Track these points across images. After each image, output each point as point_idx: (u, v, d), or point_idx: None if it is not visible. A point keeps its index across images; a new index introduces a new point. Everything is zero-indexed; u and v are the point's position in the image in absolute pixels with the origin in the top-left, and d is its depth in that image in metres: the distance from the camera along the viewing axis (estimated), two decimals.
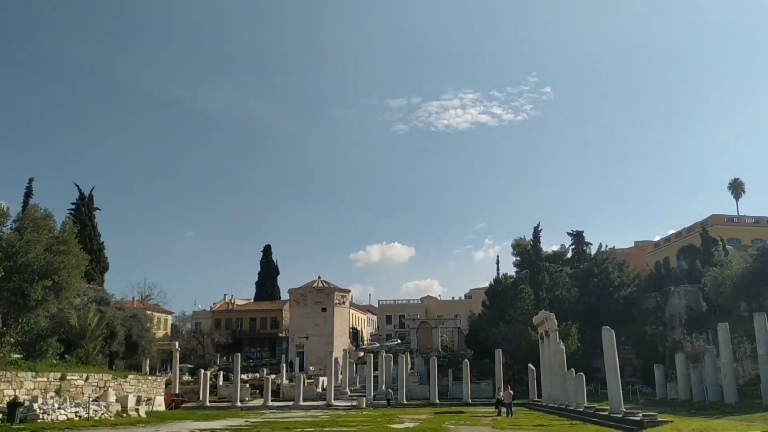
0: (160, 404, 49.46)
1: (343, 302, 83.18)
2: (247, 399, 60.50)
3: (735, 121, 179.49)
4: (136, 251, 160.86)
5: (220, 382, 66.56)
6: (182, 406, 53.97)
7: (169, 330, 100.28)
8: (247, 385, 64.14)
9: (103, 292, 52.45)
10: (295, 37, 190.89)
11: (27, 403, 25.71)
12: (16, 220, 29.72)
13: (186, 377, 70.84)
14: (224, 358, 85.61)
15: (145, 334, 53.41)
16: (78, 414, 26.84)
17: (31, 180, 52.18)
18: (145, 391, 47.26)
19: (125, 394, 34.27)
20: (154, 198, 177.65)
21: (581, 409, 34.07)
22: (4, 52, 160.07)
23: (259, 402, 57.40)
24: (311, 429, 26.20)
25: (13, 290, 28.04)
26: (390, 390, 54.99)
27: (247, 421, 33.15)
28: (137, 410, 33.42)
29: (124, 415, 31.55)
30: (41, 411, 25.09)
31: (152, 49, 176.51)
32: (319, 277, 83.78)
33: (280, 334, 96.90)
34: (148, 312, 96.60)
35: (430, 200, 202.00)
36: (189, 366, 77.36)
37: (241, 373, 72.91)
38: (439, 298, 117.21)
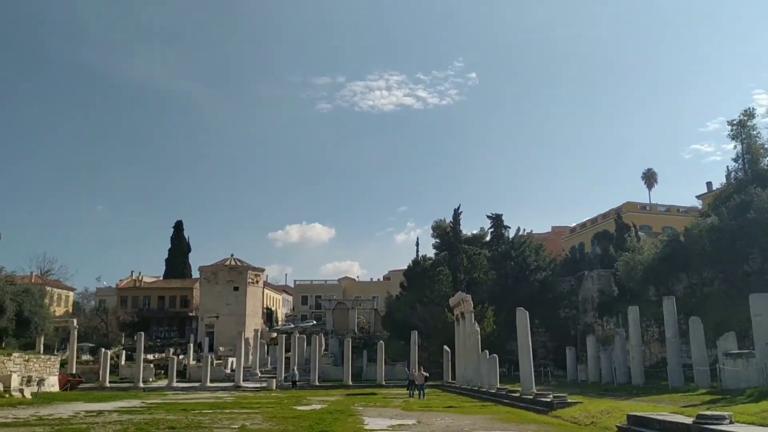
0: (53, 384, 46.97)
1: (257, 281, 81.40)
2: (151, 380, 58.43)
3: (650, 114, 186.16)
4: (39, 223, 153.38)
5: (123, 362, 63.98)
6: (78, 387, 51.49)
7: (70, 307, 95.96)
8: (152, 366, 61.90)
9: None
10: (214, 7, 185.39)
11: None
12: None
13: (86, 357, 67.82)
14: (129, 337, 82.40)
15: (39, 310, 50.55)
16: None
17: None
18: (36, 371, 44.74)
19: (8, 373, 31.97)
20: (62, 169, 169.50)
21: (493, 391, 34.05)
22: None
23: (163, 383, 55.51)
24: (210, 411, 24.97)
25: None
26: (296, 371, 54.08)
27: (143, 402, 31.55)
28: (21, 391, 31.30)
29: (6, 395, 29.44)
30: None
31: (69, 14, 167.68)
32: (232, 255, 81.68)
33: (191, 314, 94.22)
34: (48, 288, 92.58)
35: (352, 181, 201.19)
36: (90, 345, 74.09)
37: (147, 353, 70.46)
38: (357, 279, 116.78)
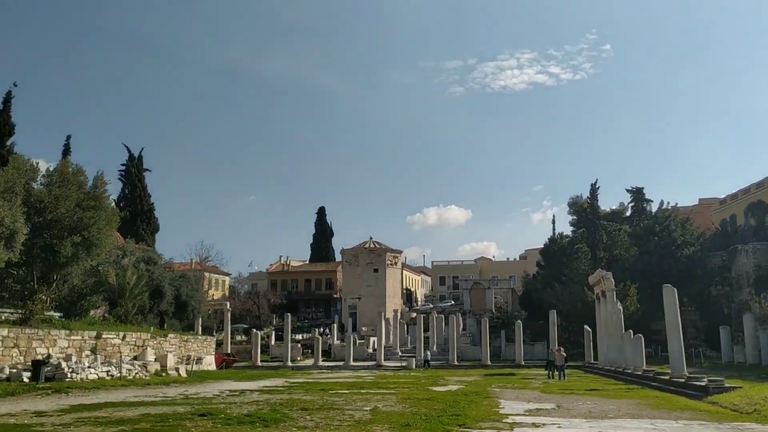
0: (210, 364, 48.99)
1: (395, 263, 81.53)
2: (299, 359, 59.88)
3: None
4: (197, 214, 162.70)
5: (273, 342, 66.07)
6: (233, 365, 53.51)
7: (226, 291, 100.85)
8: (299, 345, 63.49)
9: (152, 252, 51.87)
10: (348, 1, 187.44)
11: (55, 362, 24.83)
12: (46, 175, 28.71)
13: (240, 337, 70.73)
14: (280, 318, 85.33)
15: (195, 294, 52.92)
16: (110, 373, 25.88)
17: (68, 137, 51.05)
18: (194, 351, 46.73)
19: (165, 353, 33.34)
20: (217, 163, 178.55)
21: (639, 373, 31.57)
22: (67, 19, 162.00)
23: (310, 362, 56.66)
24: (347, 391, 24.59)
25: (44, 247, 27.12)
26: (427, 352, 53.41)
27: (287, 381, 31.88)
28: (177, 370, 32.50)
29: (163, 374, 30.61)
30: (70, 370, 24.14)
31: (210, 17, 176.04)
32: (371, 238, 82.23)
33: (335, 296, 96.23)
34: (206, 273, 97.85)
35: (487, 163, 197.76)
36: (244, 326, 77.28)
37: (295, 333, 72.59)
38: (493, 260, 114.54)
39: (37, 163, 28.89)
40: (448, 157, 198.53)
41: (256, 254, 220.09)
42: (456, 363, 52.80)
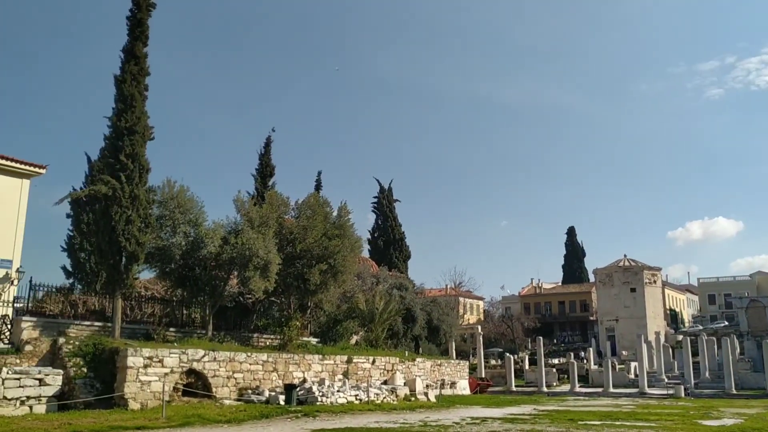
0: (464, 388, 48.22)
1: (654, 281, 74.42)
2: (554, 384, 56.85)
3: None
4: (449, 241, 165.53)
5: (527, 366, 63.59)
6: (487, 390, 52.24)
7: (481, 315, 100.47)
8: (554, 370, 60.31)
9: (404, 278, 52.87)
10: (587, 16, 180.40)
11: (308, 386, 25.53)
12: (295, 208, 30.27)
13: (493, 361, 69.31)
14: (534, 342, 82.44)
15: (446, 318, 52.75)
16: (358, 397, 26.04)
17: (319, 173, 54.05)
18: (448, 375, 46.30)
19: (413, 377, 33.08)
20: (469, 190, 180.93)
21: None
22: (310, 59, 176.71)
23: (566, 388, 53.41)
24: (598, 422, 21.89)
25: (295, 275, 28.41)
26: (681, 373, 47.47)
27: (536, 408, 29.68)
28: (426, 394, 31.97)
29: (412, 399, 30.25)
30: (320, 394, 24.65)
31: (452, 51, 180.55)
32: (625, 256, 76.14)
33: (591, 318, 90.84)
34: (460, 298, 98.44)
35: (756, 168, 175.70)
36: (499, 350, 75.80)
37: (550, 357, 69.37)
38: None
39: (288, 198, 30.69)
40: (710, 164, 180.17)
41: (507, 278, 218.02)
42: (734, 392, 45.99)
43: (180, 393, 22.95)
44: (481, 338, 61.10)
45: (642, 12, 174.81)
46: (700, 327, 77.81)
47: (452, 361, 49.25)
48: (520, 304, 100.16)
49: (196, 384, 23.75)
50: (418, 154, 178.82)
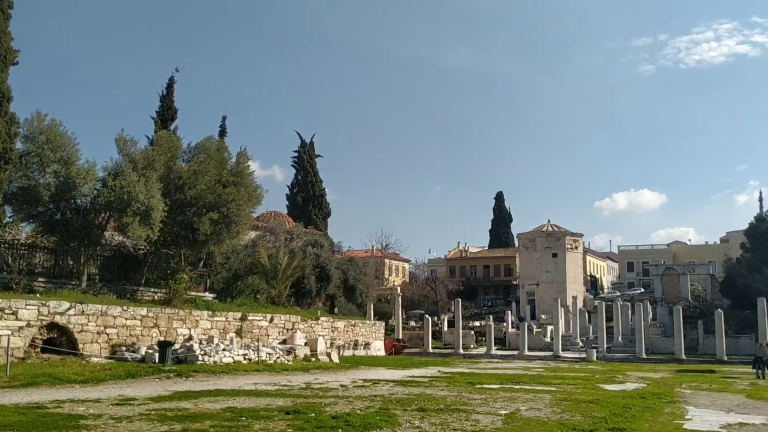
0: (379, 349, 46.96)
1: (576, 247, 74.79)
2: (472, 346, 56.36)
3: None
4: (379, 203, 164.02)
5: (445, 329, 62.94)
6: (403, 351, 51.21)
7: (407, 277, 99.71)
8: (472, 332, 59.84)
9: (320, 236, 50.80)
10: None
11: (189, 343, 23.28)
12: (187, 152, 27.50)
13: (413, 323, 68.44)
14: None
15: (362, 277, 50.95)
16: (247, 357, 23.87)
17: (224, 118, 49.80)
18: (362, 336, 44.97)
19: (315, 337, 31.18)
20: (409, 156, 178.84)
21: None
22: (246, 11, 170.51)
23: (483, 350, 52.87)
24: (498, 385, 20.55)
25: (185, 224, 25.81)
26: (587, 337, 48.21)
27: (441, 370, 28.36)
28: (329, 354, 30.15)
29: (313, 359, 28.33)
30: (202, 353, 22.41)
31: (395, 14, 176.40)
32: (549, 221, 76.13)
33: (514, 282, 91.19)
34: (386, 260, 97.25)
35: (682, 143, 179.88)
36: (421, 312, 75.00)
37: (472, 320, 68.98)
38: (689, 243, 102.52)
39: (181, 139, 27.87)
40: (639, 139, 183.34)
41: (436, 242, 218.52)
42: (644, 356, 46.18)
43: (38, 350, 20.33)
44: (399, 299, 59.90)
45: None
46: (618, 293, 79.06)
47: (368, 322, 47.83)
48: (446, 268, 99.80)
49: (59, 340, 21.12)
50: (351, 114, 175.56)
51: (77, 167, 22.80)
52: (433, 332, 57.95)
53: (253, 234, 46.32)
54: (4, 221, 25.01)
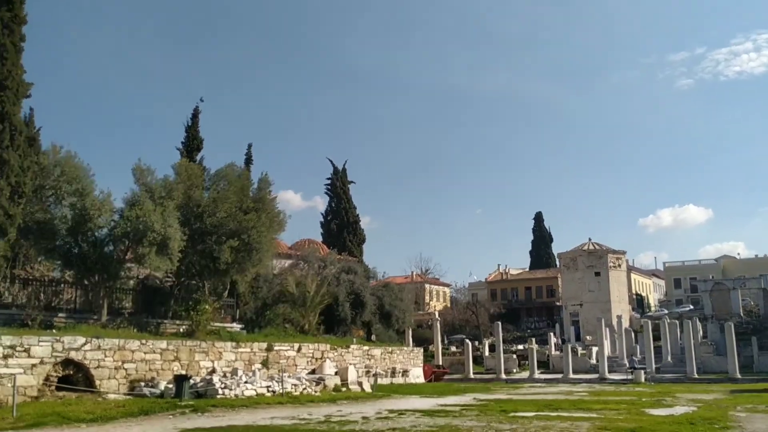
0: (418, 376, 45.43)
1: (619, 265, 72.04)
2: (514, 371, 54.21)
3: None
4: (417, 229, 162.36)
5: (486, 353, 60.88)
6: (443, 378, 49.50)
7: (447, 302, 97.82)
8: (514, 356, 57.64)
9: (353, 262, 49.72)
10: (562, 6, 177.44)
11: (208, 376, 22.27)
12: (207, 179, 26.79)
13: (454, 348, 66.49)
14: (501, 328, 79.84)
15: (398, 303, 49.58)
16: (271, 389, 22.70)
17: (249, 146, 48.64)
18: (400, 363, 43.63)
19: (346, 365, 29.90)
20: (439, 177, 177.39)
21: None
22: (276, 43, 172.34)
23: (526, 374, 50.78)
24: (533, 413, 18.92)
25: (204, 253, 24.99)
26: (633, 357, 45.50)
27: (476, 398, 26.70)
28: (360, 383, 28.80)
29: (343, 389, 27.04)
30: (222, 386, 21.31)
31: (430, 42, 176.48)
32: (590, 240, 73.66)
33: (557, 303, 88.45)
34: (427, 285, 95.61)
35: (726, 156, 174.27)
36: (461, 337, 72.99)
37: (516, 343, 66.76)
38: (738, 257, 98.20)
39: (204, 168, 27.18)
40: (681, 154, 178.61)
41: (476, 265, 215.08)
42: (695, 376, 43.57)
43: (53, 388, 19.56)
44: (438, 324, 58.22)
45: (615, 2, 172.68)
46: (665, 311, 75.73)
47: (405, 349, 46.45)
48: (486, 291, 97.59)
49: (76, 377, 20.36)
50: (388, 141, 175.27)
51: (92, 198, 22.24)
52: (474, 357, 56.14)
53: (286, 263, 45.61)
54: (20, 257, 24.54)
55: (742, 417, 18.25)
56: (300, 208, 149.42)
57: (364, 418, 17.59)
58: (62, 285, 24.51)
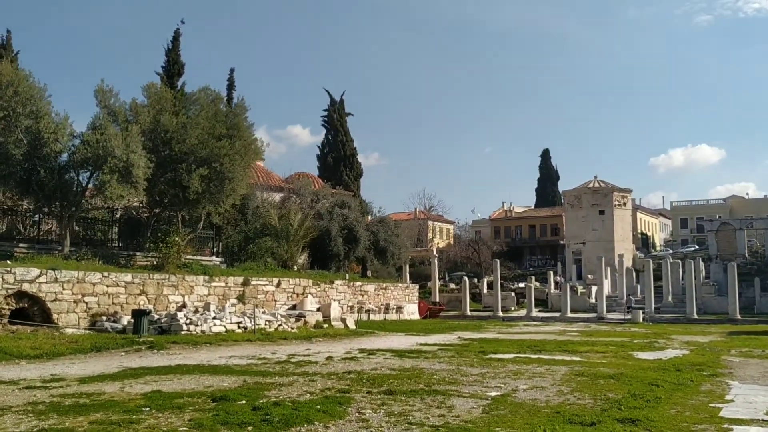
0: (412, 313, 44.63)
1: (624, 203, 70.08)
2: (512, 309, 53.32)
3: None
4: (422, 165, 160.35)
5: (485, 290, 59.92)
6: (439, 315, 48.65)
7: (451, 239, 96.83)
8: (513, 294, 56.65)
9: (348, 196, 48.25)
10: None
11: (172, 311, 21.11)
12: (177, 103, 25.00)
13: (453, 285, 65.62)
14: (503, 266, 78.72)
15: (394, 239, 48.27)
16: (242, 325, 21.54)
17: (232, 70, 46.29)
18: (394, 299, 42.84)
19: (329, 301, 28.74)
20: (445, 112, 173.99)
21: None
22: None
23: (524, 312, 49.89)
24: (512, 355, 17.65)
25: (173, 182, 23.45)
26: (631, 297, 44.71)
27: (461, 337, 25.56)
28: (344, 320, 27.68)
29: (325, 326, 25.89)
30: (188, 321, 20.13)
31: None
32: (596, 177, 71.48)
33: (561, 242, 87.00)
34: (430, 222, 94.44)
35: (741, 96, 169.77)
36: (462, 274, 72.07)
37: (517, 281, 65.70)
38: (746, 197, 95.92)
39: (170, 91, 25.37)
40: (696, 92, 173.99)
41: (480, 202, 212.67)
42: (695, 317, 42.36)
43: (5, 321, 18.43)
44: (436, 261, 57.11)
45: None
46: (670, 251, 74.28)
47: (400, 285, 45.52)
48: (490, 229, 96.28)
49: (32, 310, 19.25)
50: (393, 73, 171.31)
51: (47, 121, 20.59)
52: (472, 294, 55.30)
53: (277, 196, 44.14)
54: None
55: (735, 362, 16.89)
56: (308, 143, 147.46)
57: (328, 358, 16.35)
58: (26, 215, 23.17)
